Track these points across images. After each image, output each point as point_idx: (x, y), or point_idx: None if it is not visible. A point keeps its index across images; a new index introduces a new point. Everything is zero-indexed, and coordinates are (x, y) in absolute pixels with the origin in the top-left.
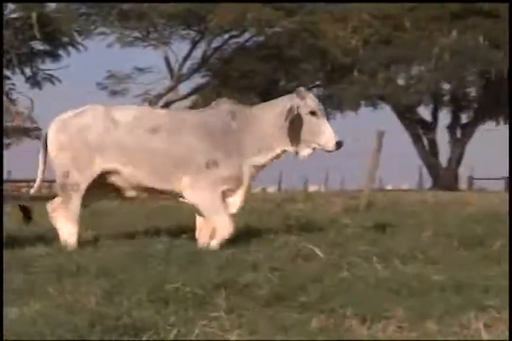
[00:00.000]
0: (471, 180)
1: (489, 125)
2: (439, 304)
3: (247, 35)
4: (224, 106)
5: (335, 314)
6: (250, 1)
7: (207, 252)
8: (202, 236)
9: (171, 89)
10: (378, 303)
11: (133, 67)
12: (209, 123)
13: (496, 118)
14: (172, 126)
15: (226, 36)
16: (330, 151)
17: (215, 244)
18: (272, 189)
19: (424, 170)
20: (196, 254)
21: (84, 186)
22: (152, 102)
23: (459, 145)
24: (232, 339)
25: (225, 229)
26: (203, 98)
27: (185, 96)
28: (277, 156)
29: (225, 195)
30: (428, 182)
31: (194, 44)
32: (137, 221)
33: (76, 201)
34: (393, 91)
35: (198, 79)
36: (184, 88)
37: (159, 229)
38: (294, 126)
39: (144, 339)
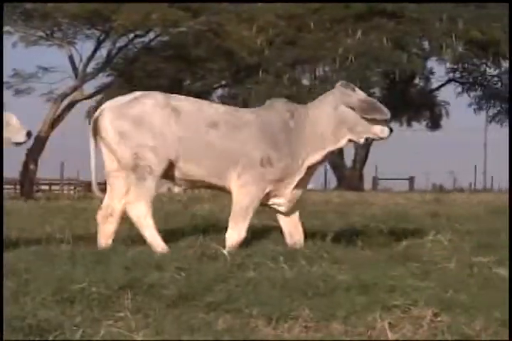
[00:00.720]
0: (375, 180)
1: (393, 126)
2: (345, 304)
3: (151, 35)
4: (281, 104)
5: (241, 314)
6: (159, 1)
7: (113, 252)
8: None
9: (76, 88)
10: (284, 303)
11: (37, 67)
12: (268, 122)
13: (399, 118)
14: (230, 122)
15: (131, 36)
16: (383, 138)
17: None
18: (178, 189)
19: (329, 171)
20: (102, 254)
21: (159, 169)
22: (57, 101)
23: (363, 145)
24: (139, 339)
25: (239, 235)
26: (107, 97)
27: (90, 96)
28: (328, 155)
29: (270, 195)
30: (333, 182)
31: (99, 44)
32: (39, 221)
33: (151, 183)
34: (298, 92)
35: (102, 79)
36: (89, 87)
37: (63, 229)
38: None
39: (50, 339)
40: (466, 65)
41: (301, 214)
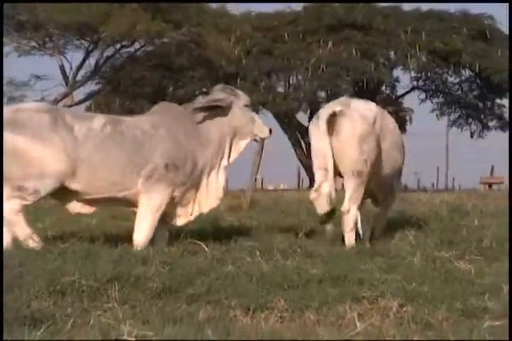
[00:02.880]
0: None
1: None
2: (317, 296)
3: (137, 45)
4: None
5: (220, 305)
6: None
7: (101, 248)
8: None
9: (66, 95)
10: (261, 295)
11: (30, 75)
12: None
13: None
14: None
15: (118, 46)
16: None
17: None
18: None
19: (303, 171)
20: (91, 250)
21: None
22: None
23: None
24: (126, 328)
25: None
26: (96, 104)
27: (80, 102)
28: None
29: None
30: (306, 182)
31: (88, 53)
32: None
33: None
34: (274, 98)
35: (91, 86)
36: (79, 94)
37: (54, 225)
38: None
39: (43, 329)
40: (429, 74)
41: (276, 211)
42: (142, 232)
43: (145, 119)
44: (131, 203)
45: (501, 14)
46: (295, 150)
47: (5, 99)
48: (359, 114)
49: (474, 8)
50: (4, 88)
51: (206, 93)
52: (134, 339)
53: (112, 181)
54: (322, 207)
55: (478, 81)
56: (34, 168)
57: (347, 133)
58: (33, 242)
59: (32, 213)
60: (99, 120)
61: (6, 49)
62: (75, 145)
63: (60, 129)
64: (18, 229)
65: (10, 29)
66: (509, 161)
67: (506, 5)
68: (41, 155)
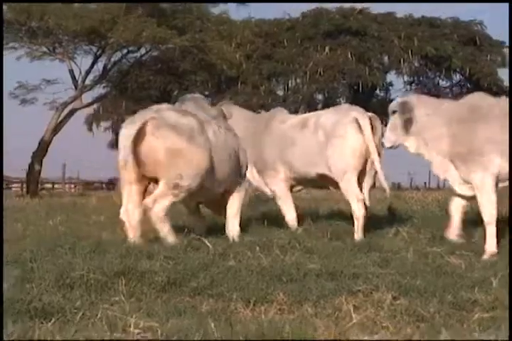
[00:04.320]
0: None
1: None
2: (315, 289)
3: (143, 51)
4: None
5: (222, 298)
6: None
7: (109, 243)
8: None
9: (76, 98)
10: (261, 288)
11: (41, 79)
12: None
13: None
14: None
15: (124, 51)
16: None
17: None
18: None
19: None
20: (99, 245)
21: None
22: (59, 110)
23: None
24: (132, 321)
25: None
26: (103, 106)
27: (88, 105)
28: None
29: None
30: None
31: (96, 58)
32: (43, 215)
33: None
34: (273, 101)
35: (99, 90)
36: (87, 97)
37: (64, 222)
38: None
39: (53, 321)
40: (422, 78)
41: (275, 209)
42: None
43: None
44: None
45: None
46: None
47: (17, 102)
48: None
49: (466, 13)
50: (17, 91)
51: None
52: (140, 330)
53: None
54: None
55: (468, 84)
56: (192, 168)
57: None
58: (171, 238)
59: (44, 211)
60: (214, 123)
61: (18, 54)
62: (211, 146)
63: (203, 131)
64: (163, 225)
65: (22, 35)
66: (509, 161)
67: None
68: (197, 156)
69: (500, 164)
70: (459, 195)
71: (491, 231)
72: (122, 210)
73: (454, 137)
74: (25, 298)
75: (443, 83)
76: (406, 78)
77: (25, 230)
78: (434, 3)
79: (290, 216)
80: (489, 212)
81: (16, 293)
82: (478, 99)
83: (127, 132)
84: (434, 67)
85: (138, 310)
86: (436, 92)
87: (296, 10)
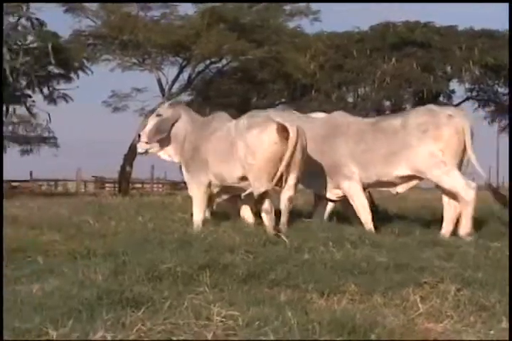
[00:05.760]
0: None
1: None
2: (384, 281)
3: (224, 62)
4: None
5: (298, 289)
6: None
7: (194, 238)
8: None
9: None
10: (334, 280)
11: (132, 88)
12: None
13: None
14: None
15: (207, 62)
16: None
17: None
18: None
19: None
20: (185, 240)
21: None
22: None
23: None
24: (215, 309)
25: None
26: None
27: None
28: None
29: None
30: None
31: (181, 69)
32: (134, 213)
33: None
34: (344, 108)
35: (184, 97)
36: None
37: (153, 219)
38: None
39: (143, 310)
40: (482, 86)
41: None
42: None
43: None
44: None
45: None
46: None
47: (110, 109)
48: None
49: None
50: (110, 99)
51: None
52: (222, 318)
53: None
54: None
55: None
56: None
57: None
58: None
59: (134, 209)
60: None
61: (111, 65)
62: None
63: None
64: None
65: (114, 48)
66: (509, 161)
67: None
68: None
69: (359, 173)
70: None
71: (368, 228)
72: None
73: (321, 153)
74: (118, 289)
75: (502, 90)
76: (467, 85)
77: (118, 226)
78: (435, 3)
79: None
80: (363, 214)
81: (110, 284)
82: (338, 117)
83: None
84: (493, 76)
85: (221, 300)
86: (495, 99)
87: (364, 23)
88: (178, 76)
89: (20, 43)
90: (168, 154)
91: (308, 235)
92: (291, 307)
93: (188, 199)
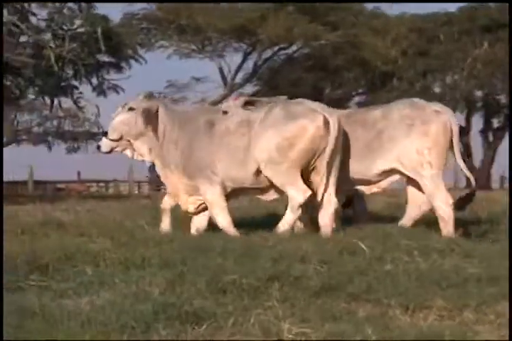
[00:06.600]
0: (503, 179)
1: None
2: (476, 294)
3: (294, 47)
4: None
5: (380, 303)
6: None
7: (261, 246)
8: None
9: (225, 97)
10: (420, 294)
11: (190, 77)
12: None
13: None
14: None
15: (275, 48)
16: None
17: None
18: None
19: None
20: (251, 248)
21: None
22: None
23: (491, 147)
24: (285, 327)
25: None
26: None
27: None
28: None
29: None
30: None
31: (246, 56)
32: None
33: None
34: (430, 99)
35: (249, 88)
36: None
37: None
38: None
39: (204, 326)
40: None
41: (431, 210)
42: None
43: None
44: None
45: None
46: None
47: (167, 101)
48: None
49: None
50: (166, 90)
51: (362, 94)
52: (294, 336)
53: None
54: None
55: None
56: None
57: None
58: None
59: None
60: None
61: (167, 52)
62: None
63: None
64: None
65: (171, 33)
66: (509, 161)
67: None
68: None
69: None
70: None
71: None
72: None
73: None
74: (176, 303)
75: None
76: None
77: (175, 232)
78: (436, 3)
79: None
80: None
81: (167, 297)
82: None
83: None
84: None
85: (291, 316)
86: None
87: (451, 4)
88: (242, 64)
89: (66, 28)
90: (140, 153)
91: (389, 243)
92: (371, 323)
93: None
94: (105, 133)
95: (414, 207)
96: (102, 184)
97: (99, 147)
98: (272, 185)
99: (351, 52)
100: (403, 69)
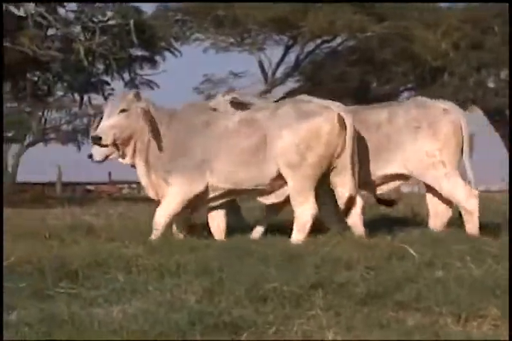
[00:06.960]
0: None
1: None
2: None
3: (338, 40)
4: None
5: (430, 312)
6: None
7: (303, 252)
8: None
9: (265, 93)
10: (473, 302)
11: (228, 72)
12: None
13: None
14: None
15: (318, 41)
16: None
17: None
18: None
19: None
20: (292, 254)
21: None
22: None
23: None
24: (330, 336)
25: None
26: None
27: (279, 100)
28: None
29: None
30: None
31: (287, 49)
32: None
33: None
34: (484, 95)
35: (291, 83)
36: (277, 92)
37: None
38: None
39: (244, 336)
40: None
41: (483, 213)
42: None
43: None
44: None
45: None
46: (507, 148)
47: (203, 97)
48: None
49: None
50: (202, 85)
51: (411, 89)
52: None
53: None
54: None
55: None
56: None
57: None
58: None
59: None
60: None
61: (203, 45)
62: None
63: None
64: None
65: (207, 25)
66: (509, 161)
67: None
68: None
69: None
70: None
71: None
72: None
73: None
74: (213, 311)
75: None
76: None
77: (212, 237)
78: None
79: None
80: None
81: (204, 305)
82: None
83: None
84: None
85: (336, 325)
86: None
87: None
88: (283, 58)
89: (96, 20)
90: (124, 155)
91: (439, 248)
92: (421, 333)
93: None
94: (95, 140)
95: (436, 218)
96: (134, 185)
97: (91, 156)
98: (273, 189)
99: (399, 45)
100: (455, 63)
